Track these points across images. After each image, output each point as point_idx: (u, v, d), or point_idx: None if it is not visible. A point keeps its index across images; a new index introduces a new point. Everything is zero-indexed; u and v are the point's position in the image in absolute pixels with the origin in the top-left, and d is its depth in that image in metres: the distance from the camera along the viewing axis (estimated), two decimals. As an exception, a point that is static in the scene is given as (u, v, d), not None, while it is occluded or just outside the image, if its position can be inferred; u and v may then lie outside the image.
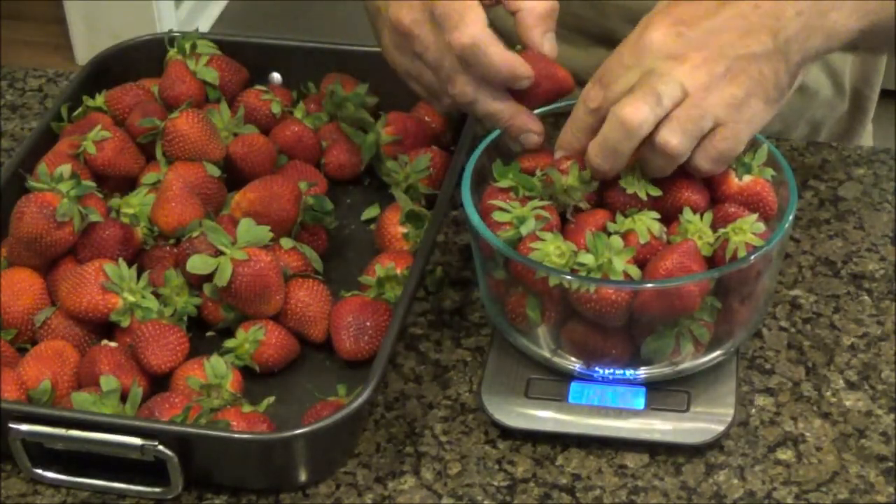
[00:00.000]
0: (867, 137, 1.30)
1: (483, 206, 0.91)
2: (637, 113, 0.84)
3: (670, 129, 0.85)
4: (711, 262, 0.88)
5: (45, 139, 1.07)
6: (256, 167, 1.05)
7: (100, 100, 1.10)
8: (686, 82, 0.85)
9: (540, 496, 0.88)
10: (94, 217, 0.96)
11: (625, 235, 0.87)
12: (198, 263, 0.94)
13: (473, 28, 0.88)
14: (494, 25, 0.91)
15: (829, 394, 0.93)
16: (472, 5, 0.89)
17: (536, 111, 0.93)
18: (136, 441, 0.84)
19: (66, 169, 0.96)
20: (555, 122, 0.94)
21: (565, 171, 0.90)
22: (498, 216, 0.89)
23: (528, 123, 0.92)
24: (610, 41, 1.12)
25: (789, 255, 1.03)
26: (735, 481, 0.88)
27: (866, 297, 1.00)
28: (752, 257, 0.86)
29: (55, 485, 0.89)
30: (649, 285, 0.85)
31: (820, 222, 1.06)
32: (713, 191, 0.91)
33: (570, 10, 1.13)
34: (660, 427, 0.89)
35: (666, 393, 0.91)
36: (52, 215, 0.94)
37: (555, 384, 0.92)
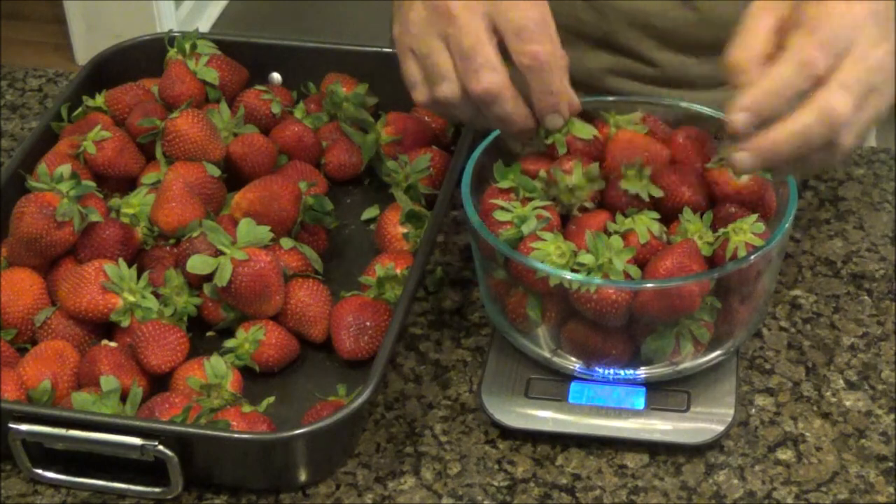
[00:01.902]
0: (870, 138, 1.30)
1: (483, 207, 0.91)
2: (846, 108, 0.79)
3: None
4: (711, 262, 0.88)
5: (45, 139, 1.07)
6: (256, 167, 1.05)
7: (100, 100, 1.10)
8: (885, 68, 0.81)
9: (540, 496, 0.88)
10: (94, 217, 0.96)
11: (625, 235, 0.87)
12: (198, 263, 0.94)
13: (550, 44, 0.88)
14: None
15: (829, 394, 0.93)
16: (545, 25, 0.88)
17: None
18: (136, 441, 0.84)
19: (66, 169, 0.96)
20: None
21: (569, 170, 0.90)
22: (499, 216, 0.89)
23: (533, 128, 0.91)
24: (610, 44, 1.12)
25: (789, 255, 1.03)
26: (735, 481, 0.88)
27: (866, 297, 1.00)
28: (752, 257, 0.86)
29: (55, 485, 0.89)
30: (649, 285, 0.85)
31: (820, 222, 1.06)
32: (713, 191, 0.91)
33: (572, 12, 1.13)
34: (660, 427, 0.89)
35: (666, 393, 0.91)
36: (52, 215, 0.94)
37: (555, 384, 0.92)
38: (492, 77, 0.88)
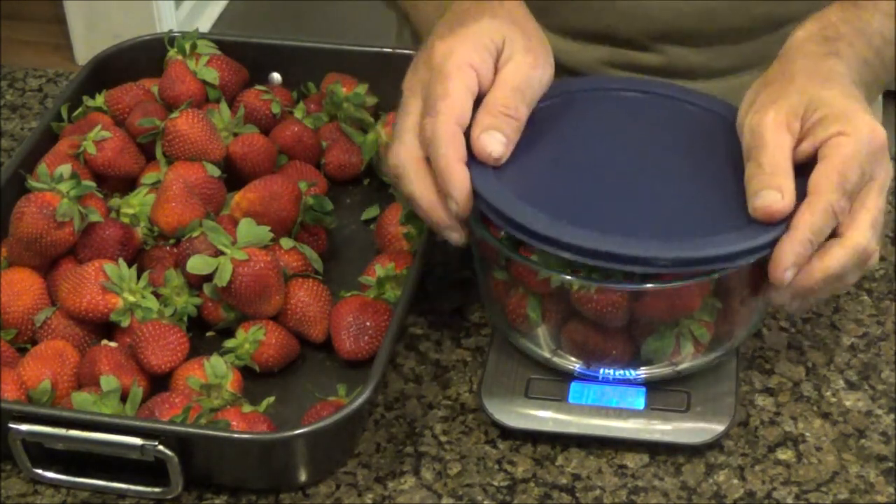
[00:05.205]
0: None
1: (483, 206, 0.91)
2: (875, 243, 0.84)
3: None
4: (711, 262, 0.88)
5: (45, 139, 1.07)
6: (256, 167, 1.05)
7: (100, 100, 1.10)
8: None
9: (540, 496, 0.88)
10: (94, 217, 0.97)
11: (625, 235, 0.87)
12: (198, 263, 0.94)
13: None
14: None
15: (829, 394, 0.93)
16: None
17: None
18: (136, 441, 0.84)
19: (66, 169, 0.96)
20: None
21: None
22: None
23: (447, 220, 0.87)
24: (609, 38, 1.12)
25: (789, 255, 1.03)
26: (735, 481, 0.88)
27: (866, 297, 1.00)
28: (752, 257, 0.86)
29: (55, 485, 0.89)
30: (649, 286, 0.85)
31: (820, 222, 1.06)
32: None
33: (566, 15, 1.12)
34: (660, 427, 0.89)
35: (666, 393, 0.91)
36: (52, 215, 0.94)
37: (555, 384, 0.92)
38: (398, 150, 0.87)
